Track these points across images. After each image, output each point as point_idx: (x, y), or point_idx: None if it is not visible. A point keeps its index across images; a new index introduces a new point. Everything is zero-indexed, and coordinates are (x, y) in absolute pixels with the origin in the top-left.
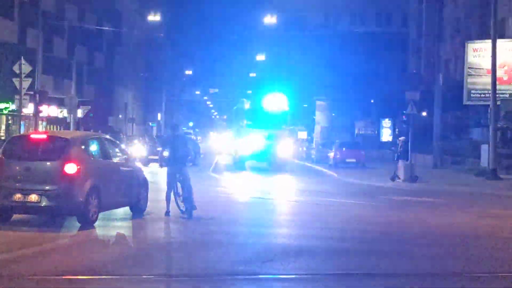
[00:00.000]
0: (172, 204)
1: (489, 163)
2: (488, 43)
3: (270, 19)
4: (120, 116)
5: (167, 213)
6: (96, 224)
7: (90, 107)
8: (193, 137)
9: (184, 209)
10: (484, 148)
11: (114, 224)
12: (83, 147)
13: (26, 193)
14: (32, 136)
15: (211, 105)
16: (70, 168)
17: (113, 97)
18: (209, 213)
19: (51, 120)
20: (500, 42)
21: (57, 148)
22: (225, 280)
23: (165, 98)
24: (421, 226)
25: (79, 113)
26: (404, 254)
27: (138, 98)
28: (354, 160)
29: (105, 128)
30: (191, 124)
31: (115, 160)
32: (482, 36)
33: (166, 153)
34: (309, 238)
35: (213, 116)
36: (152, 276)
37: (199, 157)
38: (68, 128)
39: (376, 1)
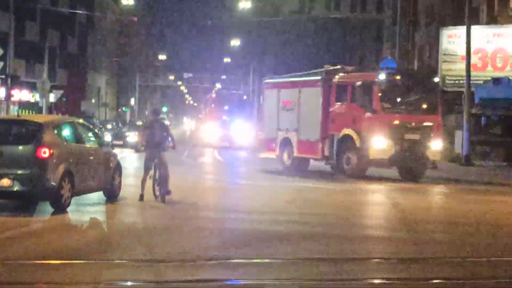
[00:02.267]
0: (147, 189)
1: (463, 150)
2: (462, 30)
3: (244, 4)
4: (93, 101)
5: (141, 197)
6: (69, 209)
7: (62, 91)
8: (166, 122)
9: (158, 194)
10: (458, 134)
11: (88, 209)
12: (56, 131)
13: None
14: (4, 120)
15: (185, 91)
16: (43, 152)
17: (86, 82)
18: (186, 198)
19: (23, 105)
20: (474, 28)
21: (30, 132)
22: (199, 265)
23: (139, 83)
24: (395, 211)
25: (52, 97)
26: (377, 239)
27: (111, 83)
28: None
29: (78, 112)
30: (165, 109)
31: (89, 144)
32: (457, 22)
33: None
34: (282, 224)
35: (186, 102)
36: (125, 261)
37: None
38: (41, 113)
39: None
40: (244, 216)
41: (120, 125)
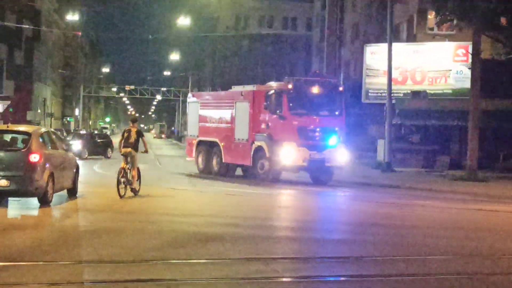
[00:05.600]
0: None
1: (385, 157)
2: (384, 46)
3: (183, 21)
4: (39, 110)
5: (120, 196)
6: (27, 207)
7: (9, 102)
8: (108, 132)
9: (123, 194)
10: (380, 143)
11: (58, 206)
12: (41, 139)
13: None
14: None
15: (127, 102)
16: (34, 158)
17: (32, 93)
18: (138, 203)
19: None
20: (395, 45)
21: (21, 140)
22: (138, 265)
23: (83, 94)
24: (321, 214)
25: None
26: (306, 240)
27: (57, 94)
28: None
29: (24, 122)
30: (108, 119)
31: (60, 150)
32: (380, 39)
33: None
34: (218, 226)
35: (129, 112)
36: (68, 262)
37: (111, 151)
38: None
39: (283, 6)
40: (182, 219)
41: (64, 134)
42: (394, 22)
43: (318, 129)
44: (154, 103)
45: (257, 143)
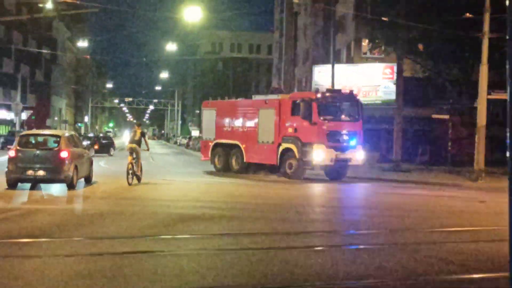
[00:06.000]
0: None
1: None
2: (328, 67)
3: (171, 46)
4: (56, 118)
5: (129, 184)
6: (51, 192)
7: (32, 111)
8: (111, 135)
9: (131, 182)
10: None
11: (79, 191)
12: (68, 140)
13: (35, 170)
14: (36, 133)
15: (126, 111)
16: (64, 154)
17: (50, 104)
18: (130, 191)
19: (1, 122)
20: (337, 66)
21: (54, 141)
22: (134, 240)
23: (91, 105)
24: (279, 199)
25: (23, 116)
26: (265, 218)
27: (70, 104)
28: None
29: (44, 127)
30: (111, 124)
31: (80, 148)
32: (325, 61)
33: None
34: (200, 208)
35: (127, 119)
36: (81, 238)
37: (114, 150)
38: (15, 127)
39: (249, 35)
40: (170, 203)
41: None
42: (336, 47)
43: (342, 133)
44: (148, 111)
45: (284, 145)
